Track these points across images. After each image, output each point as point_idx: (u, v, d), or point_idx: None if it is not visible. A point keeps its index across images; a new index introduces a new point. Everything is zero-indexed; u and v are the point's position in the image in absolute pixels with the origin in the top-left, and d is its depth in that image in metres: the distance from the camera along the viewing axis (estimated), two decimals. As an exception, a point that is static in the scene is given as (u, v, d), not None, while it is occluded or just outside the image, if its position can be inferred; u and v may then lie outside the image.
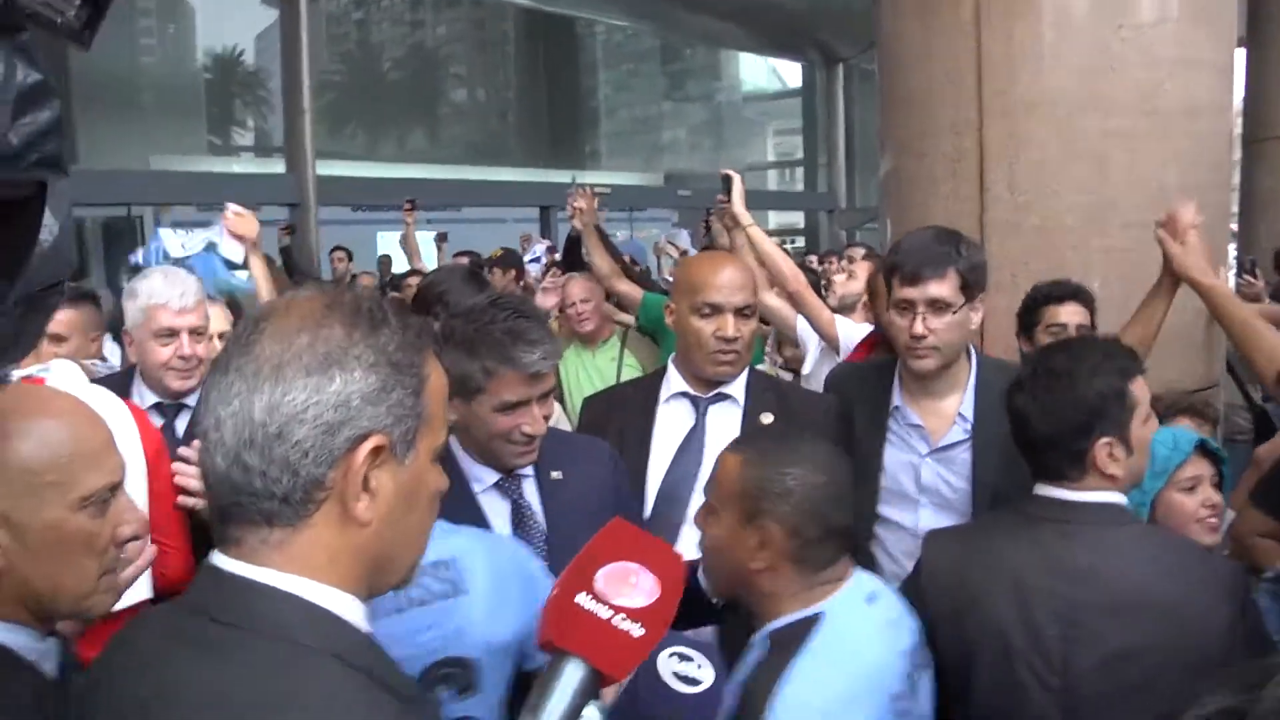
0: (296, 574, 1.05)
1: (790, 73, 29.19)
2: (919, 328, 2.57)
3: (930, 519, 2.68)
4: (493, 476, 2.20)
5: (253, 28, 19.25)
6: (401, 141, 22.49)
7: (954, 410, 2.67)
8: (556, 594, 1.10)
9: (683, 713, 1.32)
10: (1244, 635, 1.95)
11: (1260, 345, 2.71)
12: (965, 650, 2.01)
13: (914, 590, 2.08)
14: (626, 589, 1.09)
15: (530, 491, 2.25)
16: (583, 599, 1.08)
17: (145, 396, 2.90)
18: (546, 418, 2.16)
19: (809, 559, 1.79)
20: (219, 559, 1.07)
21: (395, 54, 22.71)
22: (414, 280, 7.62)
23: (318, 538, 1.05)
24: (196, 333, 2.92)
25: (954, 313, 2.55)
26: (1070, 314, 3.20)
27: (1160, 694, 1.81)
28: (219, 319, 3.25)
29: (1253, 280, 5.99)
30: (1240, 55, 4.98)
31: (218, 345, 3.37)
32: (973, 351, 2.73)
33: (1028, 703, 1.96)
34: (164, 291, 2.89)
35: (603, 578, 1.09)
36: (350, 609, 1.08)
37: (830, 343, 3.98)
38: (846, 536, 1.87)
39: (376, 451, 1.05)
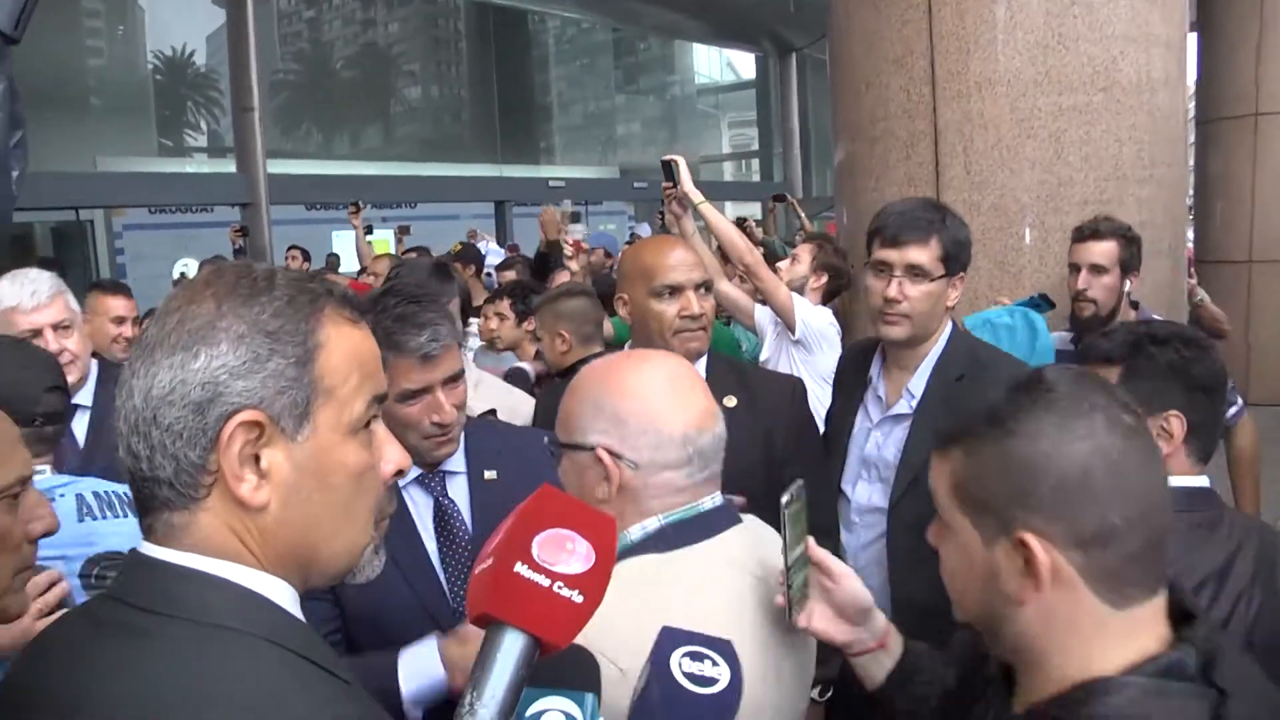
0: (213, 556, 1.00)
1: (744, 64, 29.27)
2: (893, 291, 2.52)
3: (864, 491, 2.62)
4: (415, 471, 2.11)
5: (203, 28, 19.06)
6: (354, 139, 22.33)
7: (906, 383, 2.60)
8: (491, 565, 1.04)
9: (702, 715, 1.26)
10: None
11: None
12: None
13: None
14: (564, 555, 1.04)
15: (459, 490, 2.16)
16: (521, 569, 1.02)
17: None
18: (459, 406, 2.08)
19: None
20: (144, 547, 1.03)
21: (347, 52, 22.51)
22: (369, 280, 7.56)
23: (216, 520, 1.01)
24: (60, 328, 2.92)
25: (930, 281, 2.50)
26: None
27: None
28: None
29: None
30: (1192, 40, 5.03)
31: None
32: (949, 328, 2.63)
33: None
34: (13, 294, 2.86)
35: (539, 545, 1.04)
36: (279, 592, 1.03)
37: (787, 321, 3.94)
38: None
39: (254, 427, 1.00)
